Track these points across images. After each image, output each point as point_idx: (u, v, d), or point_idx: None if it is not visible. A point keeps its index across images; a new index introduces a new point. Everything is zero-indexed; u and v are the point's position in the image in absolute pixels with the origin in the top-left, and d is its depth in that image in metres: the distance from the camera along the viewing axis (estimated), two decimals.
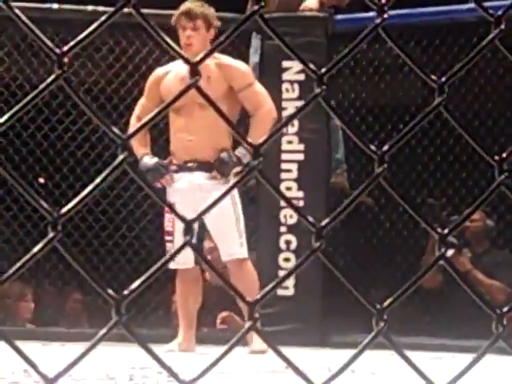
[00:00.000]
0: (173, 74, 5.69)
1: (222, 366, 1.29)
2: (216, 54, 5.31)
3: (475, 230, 6.95)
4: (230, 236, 5.62)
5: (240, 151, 5.48)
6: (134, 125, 5.65)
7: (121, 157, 1.21)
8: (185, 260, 5.24)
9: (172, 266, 5.27)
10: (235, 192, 5.38)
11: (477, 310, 1.48)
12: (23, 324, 7.45)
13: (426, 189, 6.99)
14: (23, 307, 7.54)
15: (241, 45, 6.59)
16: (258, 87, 5.72)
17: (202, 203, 4.64)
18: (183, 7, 5.67)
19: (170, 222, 5.57)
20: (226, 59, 5.62)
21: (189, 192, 5.51)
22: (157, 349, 1.24)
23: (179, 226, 5.28)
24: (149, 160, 5.61)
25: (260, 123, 5.47)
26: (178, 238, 5.46)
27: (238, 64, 5.76)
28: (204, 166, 5.60)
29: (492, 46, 1.31)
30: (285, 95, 6.71)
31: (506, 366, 1.93)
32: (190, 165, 5.62)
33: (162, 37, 1.25)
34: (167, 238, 5.64)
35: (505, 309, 1.38)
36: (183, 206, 5.03)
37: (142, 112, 5.70)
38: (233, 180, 5.44)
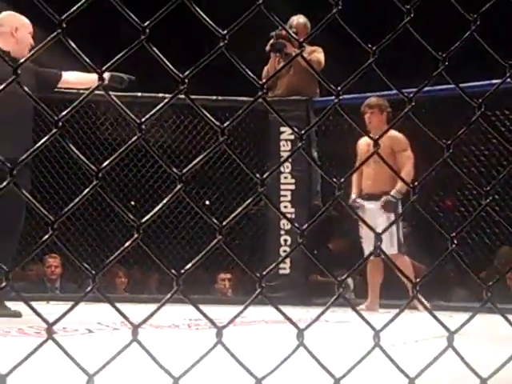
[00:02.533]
0: (362, 141, 5.91)
1: (246, 314, 1.29)
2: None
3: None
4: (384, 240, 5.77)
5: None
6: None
7: (178, 186, 1.21)
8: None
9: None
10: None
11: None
12: (121, 292, 7.45)
13: None
14: (118, 281, 7.55)
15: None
16: (408, 152, 5.83)
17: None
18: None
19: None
20: (393, 133, 5.61)
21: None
22: (203, 308, 1.24)
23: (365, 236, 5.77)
24: (353, 196, 5.88)
25: (405, 175, 5.51)
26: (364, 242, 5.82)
27: (399, 135, 5.76)
28: (377, 197, 5.77)
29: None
30: (282, 148, 6.72)
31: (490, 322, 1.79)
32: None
33: (201, 110, 1.25)
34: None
35: (490, 283, 1.40)
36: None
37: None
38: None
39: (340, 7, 1.17)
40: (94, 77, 1.24)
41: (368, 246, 5.68)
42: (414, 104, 1.25)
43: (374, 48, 1.21)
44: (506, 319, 1.38)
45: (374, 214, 5.62)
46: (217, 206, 7.22)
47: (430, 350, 1.31)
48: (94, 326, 3.96)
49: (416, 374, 1.31)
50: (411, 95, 1.26)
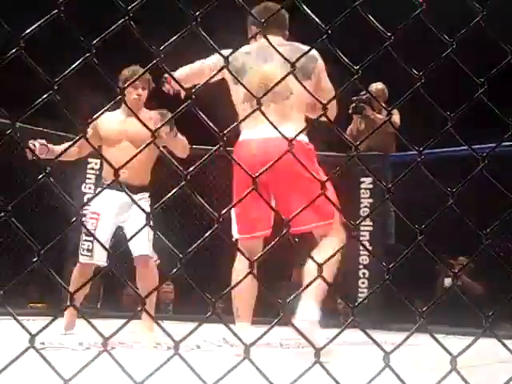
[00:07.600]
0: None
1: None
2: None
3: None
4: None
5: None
6: None
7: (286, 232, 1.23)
8: None
9: None
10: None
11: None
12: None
13: None
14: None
15: None
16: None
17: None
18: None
19: None
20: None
21: None
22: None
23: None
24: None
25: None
26: None
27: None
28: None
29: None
30: (362, 196, 6.70)
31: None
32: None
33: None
34: None
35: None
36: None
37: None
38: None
39: (423, 80, 1.18)
40: None
41: None
42: (487, 161, 1.24)
43: (452, 116, 1.21)
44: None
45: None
46: None
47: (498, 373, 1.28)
48: (201, 343, 3.98)
49: None
50: (484, 154, 1.25)
